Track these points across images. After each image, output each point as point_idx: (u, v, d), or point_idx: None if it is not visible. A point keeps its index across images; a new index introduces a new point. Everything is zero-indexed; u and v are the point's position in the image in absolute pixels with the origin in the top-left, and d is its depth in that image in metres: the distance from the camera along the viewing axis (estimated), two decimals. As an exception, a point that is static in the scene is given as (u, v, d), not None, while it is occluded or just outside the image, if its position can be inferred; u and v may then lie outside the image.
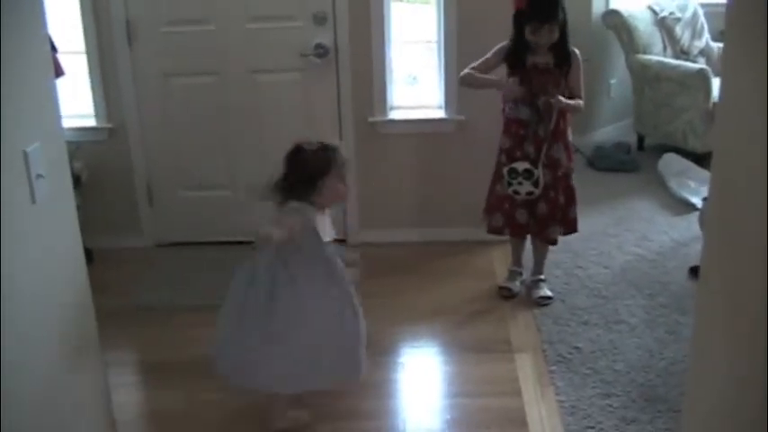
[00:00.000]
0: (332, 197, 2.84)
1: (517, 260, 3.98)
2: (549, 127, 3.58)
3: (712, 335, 1.78)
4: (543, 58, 3.55)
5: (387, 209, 4.46)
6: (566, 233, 3.82)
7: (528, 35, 3.50)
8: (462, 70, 3.73)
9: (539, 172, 3.59)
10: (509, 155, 3.66)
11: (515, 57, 3.57)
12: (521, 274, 3.97)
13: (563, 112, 3.60)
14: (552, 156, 3.63)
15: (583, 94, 3.64)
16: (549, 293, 3.84)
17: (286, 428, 2.94)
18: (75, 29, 4.20)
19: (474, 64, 3.66)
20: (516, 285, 3.93)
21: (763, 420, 1.44)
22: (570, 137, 3.73)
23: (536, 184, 3.60)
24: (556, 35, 3.49)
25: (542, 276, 3.92)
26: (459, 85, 3.79)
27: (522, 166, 3.60)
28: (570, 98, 3.58)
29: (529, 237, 3.89)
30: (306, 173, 2.78)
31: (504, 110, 3.70)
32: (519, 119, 3.62)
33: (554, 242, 3.82)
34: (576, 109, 3.62)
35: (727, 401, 1.68)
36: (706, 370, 1.83)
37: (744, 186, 1.58)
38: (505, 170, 3.64)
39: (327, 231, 2.85)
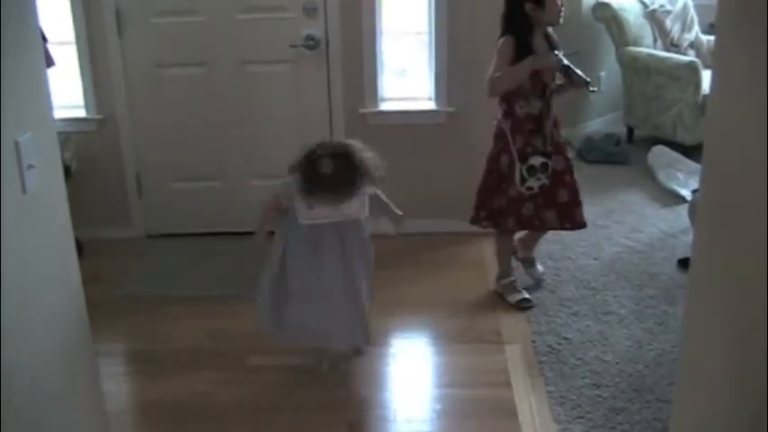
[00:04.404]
0: None
1: (509, 269, 3.83)
2: (552, 114, 3.56)
3: (704, 325, 1.79)
4: (543, 45, 3.49)
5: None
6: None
7: (549, 8, 3.38)
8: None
9: (551, 162, 3.54)
10: (521, 154, 3.51)
11: (526, 46, 3.44)
12: (515, 279, 3.84)
13: (580, 89, 3.58)
14: (557, 142, 3.60)
15: None
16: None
17: None
18: (64, 19, 4.18)
19: (491, 74, 3.48)
20: (525, 292, 3.78)
21: (763, 414, 1.45)
22: None
23: (548, 176, 3.55)
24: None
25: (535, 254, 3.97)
26: (490, 96, 3.54)
27: (538, 160, 3.50)
28: None
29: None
30: None
31: (511, 109, 3.54)
32: (531, 114, 3.52)
33: (584, 225, 3.74)
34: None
35: (720, 392, 1.69)
36: (697, 360, 1.84)
37: (736, 177, 1.59)
38: (523, 168, 3.49)
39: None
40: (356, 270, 3.11)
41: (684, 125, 5.47)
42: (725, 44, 1.66)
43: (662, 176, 5.18)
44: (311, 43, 4.18)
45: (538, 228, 3.75)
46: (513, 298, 3.75)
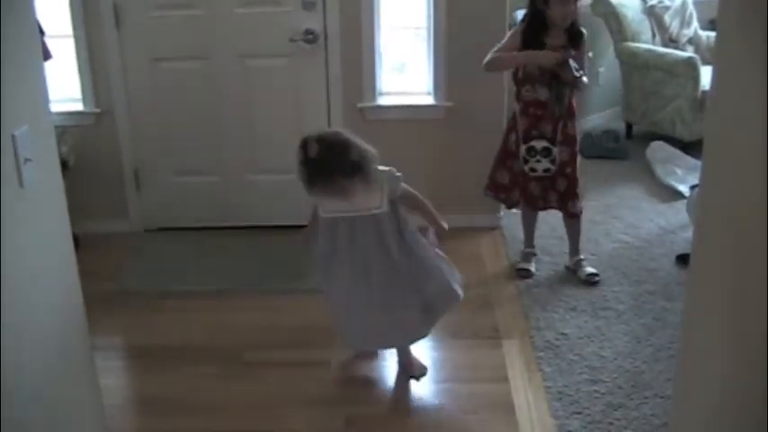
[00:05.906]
0: None
1: (530, 241, 4.07)
2: (564, 105, 3.66)
3: (703, 321, 1.79)
4: (558, 40, 3.60)
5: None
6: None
7: (553, 10, 3.51)
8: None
9: (556, 150, 3.68)
10: (525, 135, 3.71)
11: (534, 37, 3.58)
12: (535, 254, 4.07)
13: (573, 88, 3.66)
14: (567, 133, 3.72)
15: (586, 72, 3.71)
16: (594, 270, 3.90)
17: None
18: (62, 12, 4.17)
19: (494, 50, 3.65)
20: (533, 266, 4.00)
21: (764, 411, 1.45)
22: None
23: (553, 162, 3.71)
24: (575, 11, 3.57)
25: (582, 256, 3.97)
26: (486, 70, 3.69)
27: (540, 144, 3.68)
28: None
29: (562, 221, 3.99)
30: None
31: (519, 93, 3.73)
32: (537, 100, 3.67)
33: (579, 214, 3.90)
34: (585, 86, 3.68)
35: (720, 388, 1.69)
36: (697, 356, 1.84)
37: (736, 173, 1.58)
38: (523, 148, 3.71)
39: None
40: (382, 276, 2.95)
41: (683, 121, 5.46)
42: (726, 40, 1.65)
43: (660, 172, 5.18)
44: (310, 37, 4.17)
45: (542, 207, 3.91)
46: (518, 264, 4.02)
